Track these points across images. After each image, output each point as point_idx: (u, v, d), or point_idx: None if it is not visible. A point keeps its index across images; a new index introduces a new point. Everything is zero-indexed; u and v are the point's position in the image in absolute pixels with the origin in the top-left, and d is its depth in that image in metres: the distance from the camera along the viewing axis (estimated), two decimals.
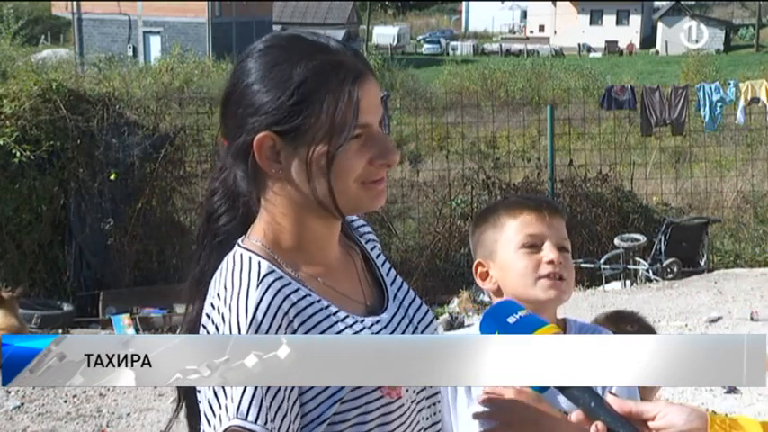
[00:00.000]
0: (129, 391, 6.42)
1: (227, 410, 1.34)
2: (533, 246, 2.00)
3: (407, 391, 1.50)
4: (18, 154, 9.66)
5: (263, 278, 1.43)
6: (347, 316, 1.49)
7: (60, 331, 8.48)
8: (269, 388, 1.35)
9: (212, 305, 1.43)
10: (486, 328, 1.46)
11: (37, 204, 10.06)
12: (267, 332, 1.38)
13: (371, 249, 1.68)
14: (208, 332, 1.41)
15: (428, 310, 1.65)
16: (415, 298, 1.64)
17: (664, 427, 1.36)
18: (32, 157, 9.76)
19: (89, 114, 10.28)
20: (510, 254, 2.01)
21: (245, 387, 1.33)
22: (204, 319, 1.44)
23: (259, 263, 1.46)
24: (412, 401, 1.51)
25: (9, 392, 6.49)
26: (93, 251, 10.40)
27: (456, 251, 11.19)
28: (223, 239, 1.55)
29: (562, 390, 1.37)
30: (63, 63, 25.70)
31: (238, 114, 1.46)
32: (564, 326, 2.09)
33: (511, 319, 1.42)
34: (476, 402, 2.00)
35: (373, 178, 1.48)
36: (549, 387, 1.37)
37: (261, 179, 1.49)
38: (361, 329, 1.49)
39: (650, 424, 1.37)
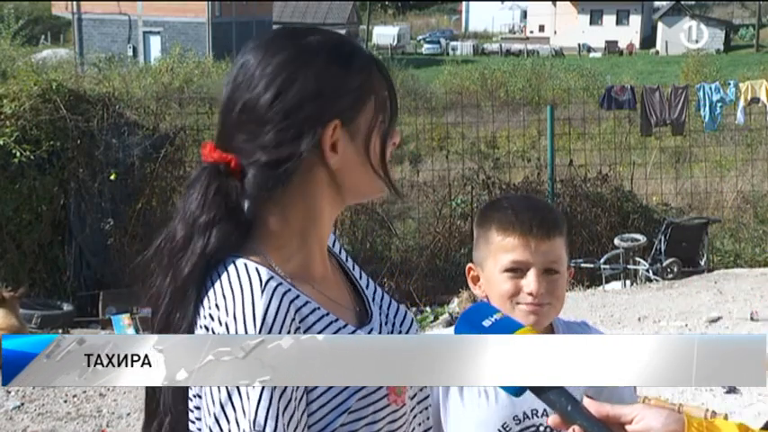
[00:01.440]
0: (129, 391, 6.40)
1: (238, 425, 1.28)
2: (517, 270, 1.98)
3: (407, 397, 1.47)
4: (18, 154, 9.65)
5: (266, 284, 1.35)
6: (346, 324, 1.45)
7: (60, 331, 8.48)
8: (281, 398, 1.29)
9: (211, 316, 1.34)
10: (461, 331, 1.43)
11: (37, 204, 10.05)
12: None
13: (339, 253, 1.65)
14: None
15: (406, 312, 1.62)
16: (391, 302, 1.61)
17: (641, 430, 1.35)
18: (32, 157, 9.75)
19: (89, 114, 10.28)
20: (495, 273, 2.00)
21: (260, 399, 1.28)
22: (202, 333, 1.36)
23: (257, 269, 1.37)
24: (408, 407, 1.49)
25: (9, 392, 6.49)
26: (93, 251, 10.39)
27: (456, 251, 11.19)
28: (215, 247, 1.41)
29: (538, 393, 1.34)
30: (63, 63, 25.71)
31: (299, 110, 1.40)
32: (550, 326, 2.07)
33: (486, 323, 1.40)
34: (468, 403, 2.00)
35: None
36: (525, 389, 1.34)
37: (295, 176, 1.41)
38: None
39: (627, 427, 1.36)
